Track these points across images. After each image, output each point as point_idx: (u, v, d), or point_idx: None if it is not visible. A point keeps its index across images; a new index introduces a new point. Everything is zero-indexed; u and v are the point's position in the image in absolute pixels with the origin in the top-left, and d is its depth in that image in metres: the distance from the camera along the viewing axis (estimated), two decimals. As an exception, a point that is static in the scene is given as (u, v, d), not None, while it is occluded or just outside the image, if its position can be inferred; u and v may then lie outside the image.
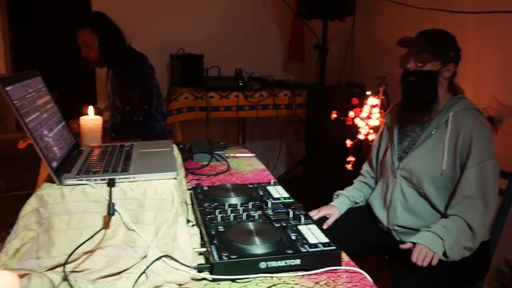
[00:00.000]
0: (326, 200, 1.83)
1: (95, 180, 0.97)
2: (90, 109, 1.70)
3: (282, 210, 1.25)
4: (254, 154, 1.95)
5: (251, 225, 1.10)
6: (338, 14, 3.15)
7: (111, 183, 0.95)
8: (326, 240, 1.04)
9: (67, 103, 3.83)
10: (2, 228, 2.95)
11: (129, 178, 0.98)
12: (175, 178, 1.00)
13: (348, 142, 2.30)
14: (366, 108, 2.34)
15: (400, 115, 1.72)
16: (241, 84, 3.13)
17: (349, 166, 2.30)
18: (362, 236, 1.74)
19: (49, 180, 1.00)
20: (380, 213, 1.72)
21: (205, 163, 1.83)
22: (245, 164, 1.83)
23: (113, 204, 0.91)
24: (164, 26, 3.42)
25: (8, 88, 0.95)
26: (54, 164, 1.00)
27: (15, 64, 6.00)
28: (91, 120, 1.67)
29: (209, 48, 3.35)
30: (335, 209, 1.76)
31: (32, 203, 0.93)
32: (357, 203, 1.86)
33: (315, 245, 1.02)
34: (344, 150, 2.81)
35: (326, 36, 3.23)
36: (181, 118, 3.03)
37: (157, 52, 3.31)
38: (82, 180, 0.96)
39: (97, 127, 1.66)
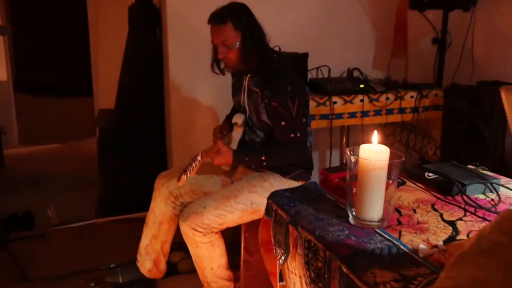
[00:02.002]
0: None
1: None
2: (375, 135, 1.20)
3: None
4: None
5: None
6: (461, 3, 2.79)
7: None
8: None
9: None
10: (81, 277, 2.39)
11: None
12: None
13: None
14: None
15: None
16: (362, 86, 2.69)
17: None
18: None
19: None
20: None
21: (481, 196, 1.41)
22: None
23: None
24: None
25: None
26: None
27: (17, 70, 5.19)
28: (375, 151, 1.17)
29: (304, 44, 2.88)
30: None
31: None
32: None
33: None
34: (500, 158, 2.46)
35: (446, 29, 2.86)
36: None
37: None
38: None
39: (383, 165, 1.16)
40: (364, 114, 2.66)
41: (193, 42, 2.89)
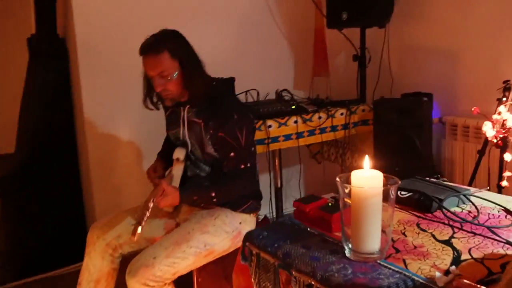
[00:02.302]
0: None
1: None
2: (367, 160, 1.09)
3: None
4: (487, 188, 1.54)
5: None
6: (376, 20, 2.89)
7: None
8: None
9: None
10: None
11: None
12: None
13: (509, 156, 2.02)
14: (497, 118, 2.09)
15: None
16: (294, 107, 2.63)
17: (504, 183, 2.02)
18: None
19: None
20: None
21: (457, 209, 1.38)
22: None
23: None
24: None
25: None
26: None
27: None
28: (368, 177, 1.06)
29: (228, 69, 2.77)
30: None
31: None
32: None
33: None
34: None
35: (365, 46, 2.93)
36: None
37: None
38: None
39: (378, 191, 1.06)
40: (299, 135, 2.60)
41: (107, 74, 2.65)
